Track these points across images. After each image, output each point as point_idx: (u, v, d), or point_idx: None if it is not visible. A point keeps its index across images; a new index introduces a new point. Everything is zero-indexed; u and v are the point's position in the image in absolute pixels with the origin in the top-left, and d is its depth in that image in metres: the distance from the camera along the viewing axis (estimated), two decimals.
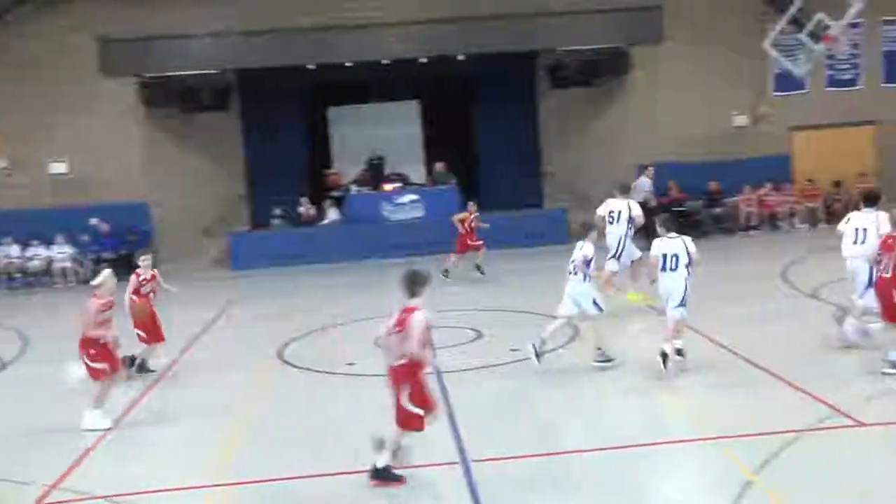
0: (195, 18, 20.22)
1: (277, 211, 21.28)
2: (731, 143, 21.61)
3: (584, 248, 9.84)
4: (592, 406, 8.70)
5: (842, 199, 21.72)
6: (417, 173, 22.70)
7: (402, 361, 6.71)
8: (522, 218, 20.77)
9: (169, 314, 11.29)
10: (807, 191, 21.63)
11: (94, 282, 9.03)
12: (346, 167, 23.15)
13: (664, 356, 9.25)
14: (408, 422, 6.80)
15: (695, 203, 21.10)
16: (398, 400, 6.77)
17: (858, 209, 10.30)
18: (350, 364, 10.49)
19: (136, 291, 10.43)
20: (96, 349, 8.62)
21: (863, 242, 9.83)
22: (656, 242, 9.66)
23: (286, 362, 11.03)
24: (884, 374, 8.72)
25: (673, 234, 9.64)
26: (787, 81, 21.20)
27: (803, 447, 7.08)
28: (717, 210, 21.22)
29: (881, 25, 22.13)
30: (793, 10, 18.57)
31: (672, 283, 9.44)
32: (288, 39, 20.06)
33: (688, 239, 9.63)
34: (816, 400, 8.13)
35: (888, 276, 8.77)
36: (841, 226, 10.33)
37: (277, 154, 22.25)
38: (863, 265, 9.74)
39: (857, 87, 22.33)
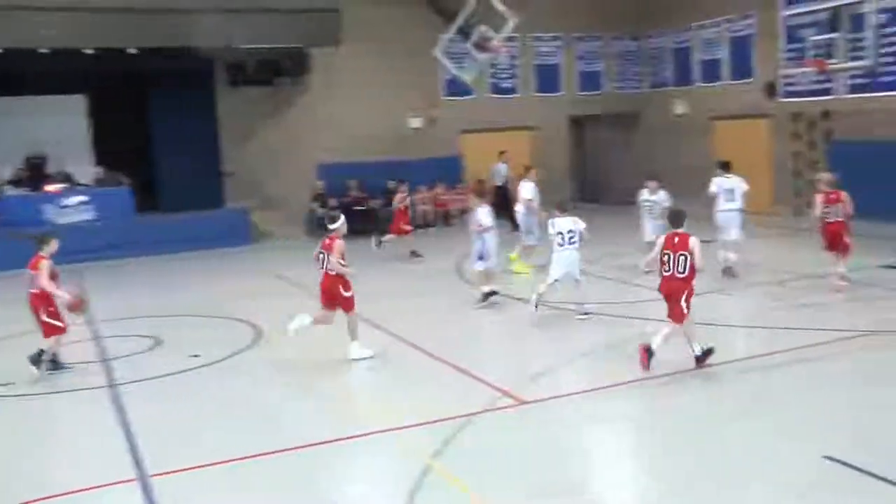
0: None
1: None
2: (408, 144, 22.62)
3: (578, 222, 11.14)
4: (276, 408, 8.65)
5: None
6: (85, 173, 21.07)
7: (686, 274, 8.56)
8: (202, 219, 20.07)
9: None
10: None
11: (333, 225, 9.75)
12: None
13: (537, 303, 11.11)
14: (682, 317, 8.59)
15: (374, 202, 21.81)
16: (678, 302, 8.56)
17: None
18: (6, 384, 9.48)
19: (53, 277, 9.77)
20: (347, 285, 9.70)
21: (733, 200, 13.05)
22: (556, 221, 11.13)
23: None
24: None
25: (566, 214, 11.16)
26: (456, 87, 22.64)
27: (476, 429, 7.59)
28: None
29: (533, 41, 24.41)
30: (459, 21, 19.93)
31: (571, 256, 10.95)
32: None
33: (577, 218, 11.19)
34: (487, 384, 8.76)
35: (832, 221, 11.69)
36: (711, 189, 13.19)
37: None
38: (737, 216, 13.05)
39: (516, 95, 24.46)
